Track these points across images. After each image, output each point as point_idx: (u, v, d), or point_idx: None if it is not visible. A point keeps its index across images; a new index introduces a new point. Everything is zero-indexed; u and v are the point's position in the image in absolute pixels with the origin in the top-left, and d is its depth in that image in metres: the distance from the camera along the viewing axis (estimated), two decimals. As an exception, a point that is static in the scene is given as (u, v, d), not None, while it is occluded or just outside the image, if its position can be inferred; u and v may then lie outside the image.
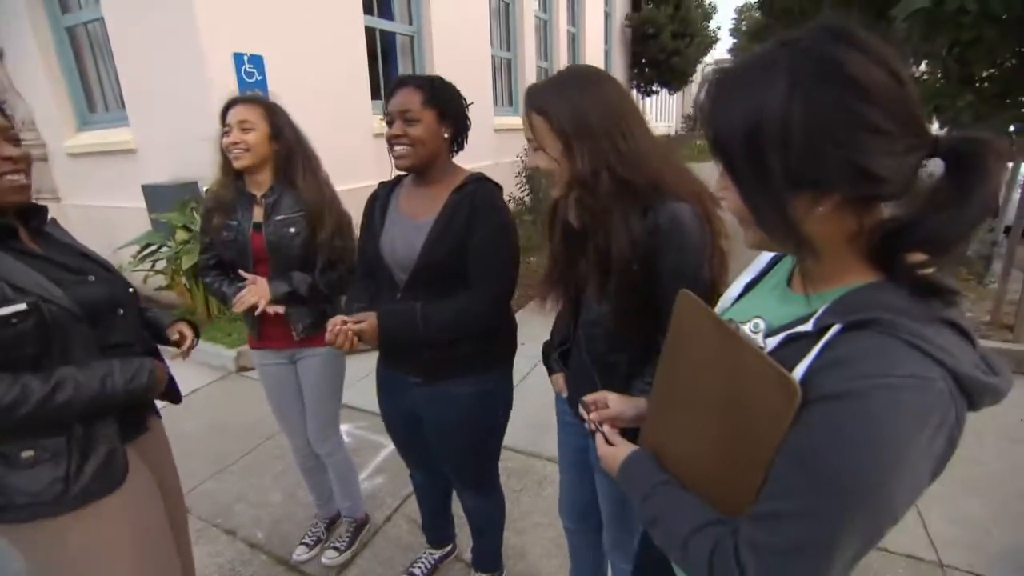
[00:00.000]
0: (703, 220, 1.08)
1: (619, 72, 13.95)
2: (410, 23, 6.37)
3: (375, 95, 5.67)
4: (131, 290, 1.30)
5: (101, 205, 5.06)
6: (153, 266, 4.22)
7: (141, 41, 4.29)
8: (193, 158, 4.32)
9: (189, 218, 4.10)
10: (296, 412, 1.96)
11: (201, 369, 3.81)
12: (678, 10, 13.26)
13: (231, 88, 4.22)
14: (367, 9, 5.54)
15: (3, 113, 1.13)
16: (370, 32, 5.60)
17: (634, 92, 15.86)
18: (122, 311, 1.23)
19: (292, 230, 1.69)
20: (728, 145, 0.59)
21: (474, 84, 7.65)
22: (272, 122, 1.67)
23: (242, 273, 1.71)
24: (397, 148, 1.42)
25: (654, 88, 15.71)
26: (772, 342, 0.64)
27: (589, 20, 11.63)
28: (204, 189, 4.06)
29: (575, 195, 1.12)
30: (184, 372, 3.71)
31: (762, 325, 0.68)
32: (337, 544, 2.09)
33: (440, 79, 1.43)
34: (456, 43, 6.78)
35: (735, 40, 33.00)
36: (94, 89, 5.21)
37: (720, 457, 0.66)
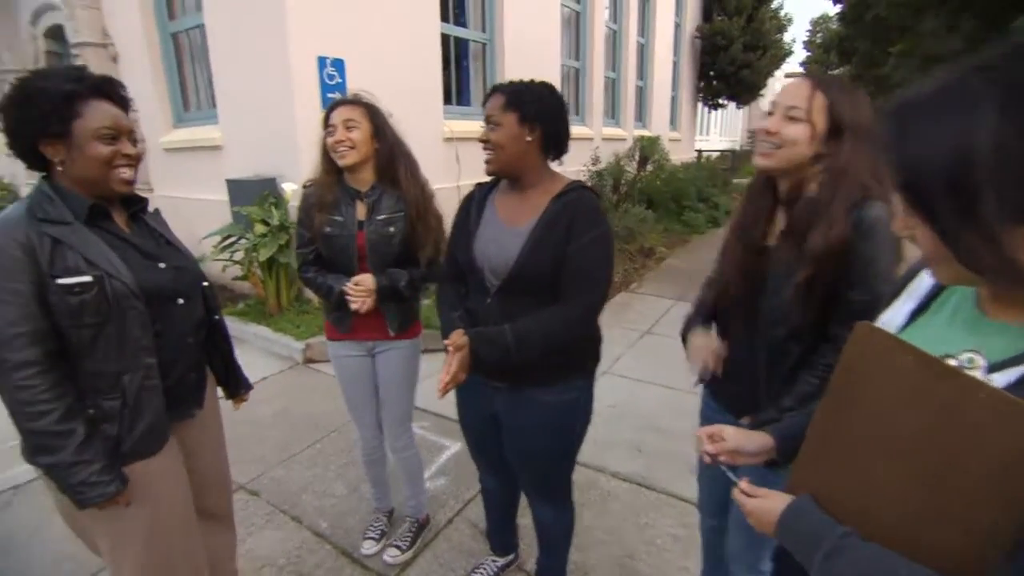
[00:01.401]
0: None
1: (687, 84, 13.67)
2: (483, 30, 6.46)
3: (447, 100, 5.78)
4: (205, 284, 1.39)
5: (188, 197, 5.36)
6: (231, 256, 4.42)
7: (234, 45, 4.54)
8: (273, 155, 4.53)
9: (267, 212, 4.28)
10: (369, 405, 1.99)
11: (270, 358, 3.96)
12: (751, 22, 12.86)
13: (313, 90, 4.44)
14: (443, 16, 5.66)
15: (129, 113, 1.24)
16: (444, 39, 5.72)
17: (699, 105, 15.50)
18: (182, 301, 1.31)
19: (391, 229, 1.74)
20: (924, 180, 0.55)
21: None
22: (374, 121, 1.72)
23: (348, 289, 1.72)
24: (485, 153, 1.43)
25: (721, 101, 15.31)
26: (1002, 378, 0.58)
27: (659, 31, 11.46)
28: (282, 186, 4.24)
29: (821, 185, 1.14)
30: (255, 359, 3.94)
31: (980, 360, 0.62)
32: (399, 543, 2.09)
33: (529, 83, 1.42)
34: (527, 51, 6.82)
35: (808, 53, 31.81)
36: (189, 89, 5.56)
37: (925, 506, 0.59)
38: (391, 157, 1.75)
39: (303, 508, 2.38)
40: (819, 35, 32.21)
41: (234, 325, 4.35)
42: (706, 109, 16.57)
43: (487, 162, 1.43)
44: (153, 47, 5.34)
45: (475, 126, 6.37)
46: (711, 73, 14.11)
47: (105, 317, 1.14)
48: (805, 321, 1.17)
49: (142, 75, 5.41)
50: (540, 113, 1.38)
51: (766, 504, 0.78)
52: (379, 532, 2.15)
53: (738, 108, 18.92)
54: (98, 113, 1.15)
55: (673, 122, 13.21)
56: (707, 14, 13.47)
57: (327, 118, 1.73)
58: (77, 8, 5.46)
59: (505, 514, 1.92)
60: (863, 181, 1.11)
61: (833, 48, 29.36)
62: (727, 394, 1.37)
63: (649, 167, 9.71)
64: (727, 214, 10.05)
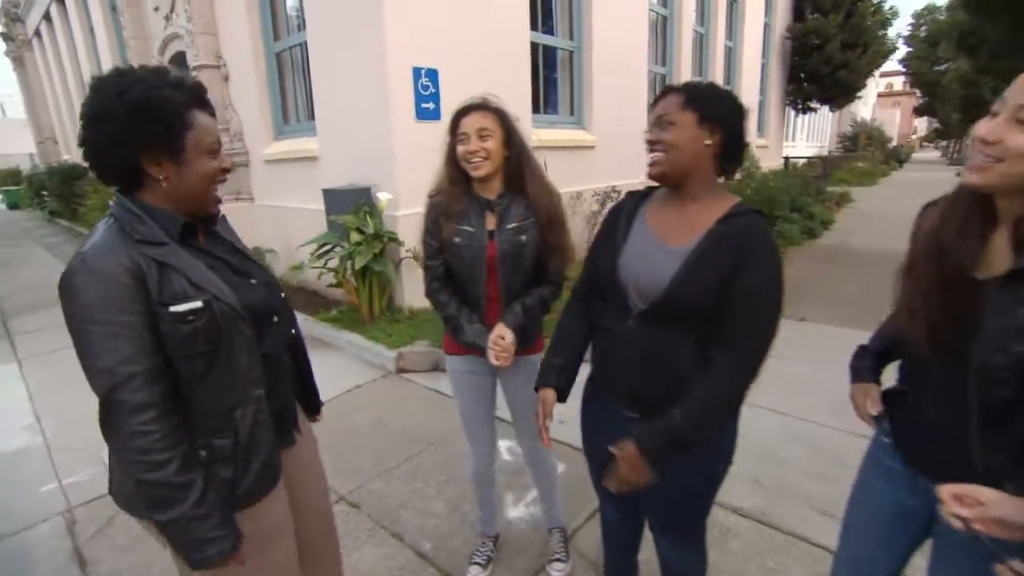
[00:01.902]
0: None
1: (775, 87, 12.96)
2: (571, 38, 6.36)
3: (535, 109, 5.72)
4: (283, 295, 1.29)
5: (286, 206, 5.60)
6: (326, 264, 4.54)
7: (334, 59, 4.70)
8: (368, 166, 4.62)
9: (362, 221, 4.35)
10: (487, 423, 1.90)
11: (363, 366, 4.00)
12: (850, 18, 12.00)
13: (408, 100, 4.50)
14: (532, 25, 5.62)
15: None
16: (533, 47, 5.66)
17: (788, 109, 14.65)
18: (276, 318, 1.22)
19: (523, 238, 1.64)
20: None
21: (629, 99, 7.53)
22: (505, 127, 1.64)
23: (491, 346, 1.63)
24: (651, 155, 1.28)
25: (812, 104, 14.39)
26: None
27: (748, 33, 10.94)
28: (377, 195, 4.29)
29: None
30: (348, 367, 3.99)
31: None
32: (559, 556, 2.03)
33: (712, 84, 1.26)
34: (614, 58, 6.66)
35: (909, 49, 29.47)
36: (289, 104, 5.83)
37: None
38: (519, 164, 1.66)
39: (404, 525, 2.31)
40: (923, 28, 29.82)
41: (327, 332, 4.45)
42: (793, 114, 15.66)
43: (653, 164, 1.27)
44: (259, 66, 5.65)
45: (562, 134, 6.36)
46: (801, 75, 13.33)
47: (216, 344, 1.05)
48: None
49: (248, 92, 5.74)
50: (723, 116, 1.22)
51: None
52: (485, 558, 2.04)
53: (831, 111, 17.70)
54: (204, 124, 1.06)
55: (760, 128, 12.56)
56: (798, 13, 12.75)
57: (455, 125, 1.65)
58: (197, 35, 5.90)
59: (627, 549, 1.75)
60: None
61: (943, 40, 26.93)
62: (918, 451, 1.14)
63: (738, 176, 9.24)
64: (823, 224, 9.36)
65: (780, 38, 12.48)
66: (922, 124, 51.91)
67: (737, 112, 1.25)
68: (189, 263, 1.04)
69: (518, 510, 2.40)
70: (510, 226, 1.64)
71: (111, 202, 1.06)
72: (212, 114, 1.10)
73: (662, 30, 8.36)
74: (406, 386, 3.70)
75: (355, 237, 4.26)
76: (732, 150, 1.26)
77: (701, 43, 9.53)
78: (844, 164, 19.34)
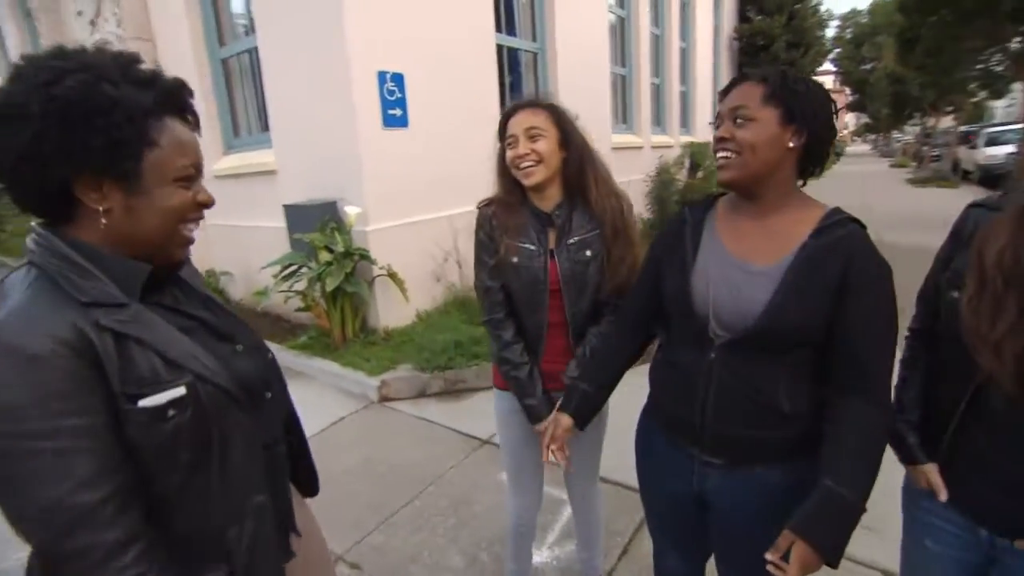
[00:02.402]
0: None
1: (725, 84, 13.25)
2: (534, 39, 6.20)
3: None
4: (271, 356, 0.97)
5: (243, 225, 5.16)
6: (292, 287, 4.17)
7: (289, 65, 4.34)
8: (332, 178, 4.28)
9: (330, 238, 4.02)
10: (537, 469, 1.67)
11: (341, 396, 3.66)
12: (792, 20, 12.42)
13: (374, 106, 4.20)
14: (495, 26, 5.41)
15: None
16: (498, 49, 5.46)
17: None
18: (270, 393, 0.92)
19: (587, 253, 1.43)
20: None
21: (596, 101, 7.43)
22: (561, 126, 1.41)
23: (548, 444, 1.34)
24: (720, 156, 1.08)
25: (760, 103, 14.81)
26: None
27: (699, 34, 11.12)
28: (344, 209, 3.96)
29: None
30: (325, 397, 3.63)
31: None
32: None
33: (797, 73, 1.06)
34: (578, 59, 6.55)
35: (838, 49, 30.98)
36: (239, 115, 5.39)
37: None
38: (581, 167, 1.44)
39: (415, 584, 2.04)
40: (848, 30, 31.49)
41: (298, 360, 4.08)
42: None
43: (723, 167, 1.07)
44: (204, 75, 5.19)
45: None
46: (748, 75, 13.69)
47: (206, 445, 0.76)
48: None
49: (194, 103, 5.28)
50: (811, 113, 1.02)
51: None
52: (520, 618, 1.79)
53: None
54: (177, 140, 0.77)
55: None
56: (743, 15, 13.09)
57: (504, 127, 1.43)
58: (130, 41, 5.37)
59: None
60: None
61: (866, 42, 28.58)
62: (981, 503, 1.01)
63: (699, 174, 9.32)
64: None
65: (728, 39, 12.76)
66: (851, 119, 54.85)
67: (829, 110, 1.05)
68: (160, 331, 0.75)
69: (542, 554, 2.16)
70: (572, 240, 1.43)
71: (30, 242, 0.73)
72: (194, 126, 0.82)
73: (620, 31, 8.34)
74: (392, 417, 3.39)
75: (324, 256, 3.91)
76: (818, 151, 1.08)
77: (657, 44, 9.58)
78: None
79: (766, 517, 1.17)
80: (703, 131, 11.32)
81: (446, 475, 2.67)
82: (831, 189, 13.10)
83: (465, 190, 5.17)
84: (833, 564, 0.94)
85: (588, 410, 1.33)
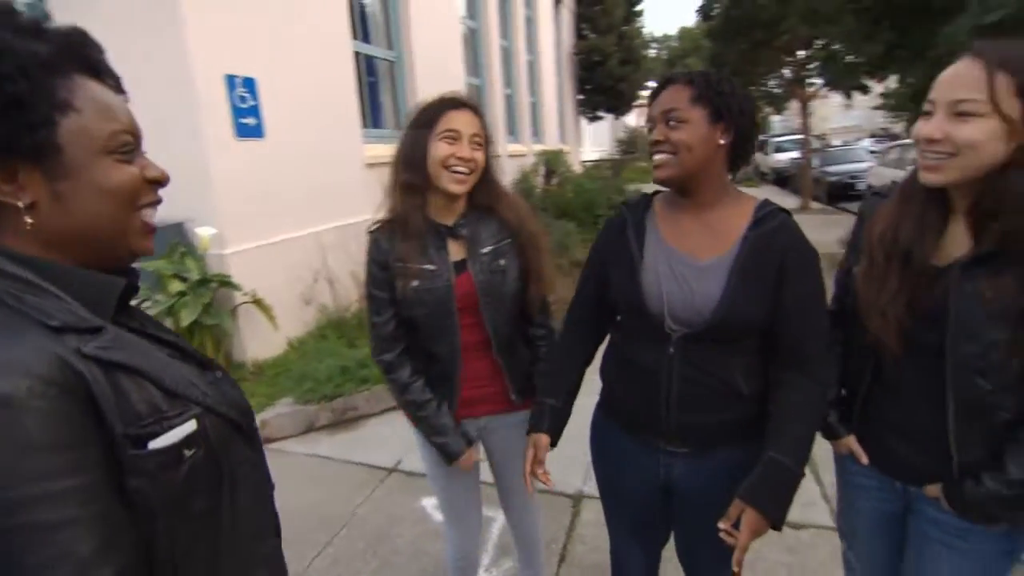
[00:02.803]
0: None
1: (568, 98, 14.16)
2: (390, 47, 6.04)
3: (364, 122, 5.28)
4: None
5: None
6: (132, 325, 3.55)
7: (123, 69, 3.69)
8: (177, 195, 3.72)
9: (179, 265, 3.50)
10: (475, 497, 1.56)
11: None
12: (622, 39, 13.73)
13: (224, 114, 3.74)
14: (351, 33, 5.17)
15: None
16: (354, 57, 5.22)
17: (581, 119, 16.18)
18: (254, 423, 0.81)
19: (502, 262, 1.34)
20: None
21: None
22: (485, 132, 1.32)
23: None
24: (656, 157, 1.12)
25: (600, 114, 16.12)
26: None
27: (543, 48, 11.74)
28: (195, 231, 3.48)
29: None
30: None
31: None
32: None
33: (719, 74, 1.13)
34: (435, 69, 6.52)
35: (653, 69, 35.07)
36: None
37: None
38: (491, 177, 1.36)
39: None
40: (664, 52, 35.68)
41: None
42: (584, 122, 17.37)
43: (661, 166, 1.11)
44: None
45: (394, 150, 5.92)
46: (587, 87, 14.82)
47: (216, 490, 0.64)
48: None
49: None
50: (738, 112, 1.10)
51: None
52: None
53: (616, 119, 20.17)
54: (99, 101, 0.61)
55: (562, 136, 13.59)
56: (579, 32, 14.15)
57: (435, 118, 1.27)
58: None
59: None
60: None
61: (677, 62, 32.74)
62: (886, 452, 1.15)
63: (555, 180, 9.83)
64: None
65: (569, 54, 13.67)
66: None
67: (751, 106, 1.15)
68: (151, 357, 0.61)
69: (477, 581, 2.07)
70: (485, 251, 1.34)
71: None
72: (115, 86, 0.65)
73: (472, 43, 8.48)
74: (280, 459, 3.03)
75: (175, 286, 3.39)
76: (744, 148, 1.16)
77: (507, 56, 9.91)
78: (627, 165, 22.06)
79: (730, 496, 1.26)
80: (551, 139, 11.99)
81: (357, 513, 2.45)
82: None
83: (331, 204, 4.87)
84: (778, 527, 1.04)
85: (560, 424, 1.30)
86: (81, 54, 0.61)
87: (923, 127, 0.95)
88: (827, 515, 2.24)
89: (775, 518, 1.03)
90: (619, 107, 15.09)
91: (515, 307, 1.39)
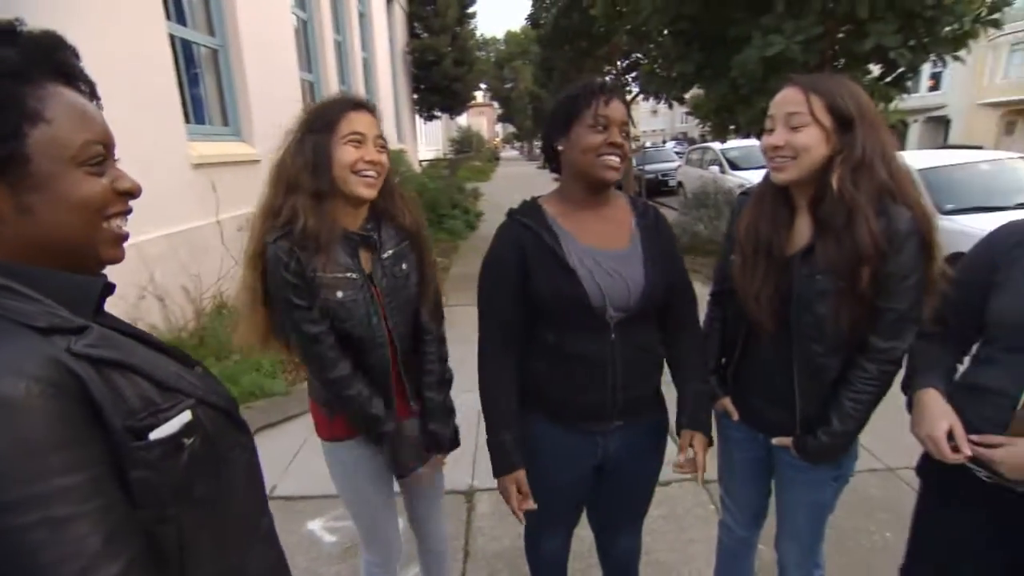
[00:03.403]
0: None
1: (404, 97, 14.00)
2: (212, 33, 5.41)
3: (187, 118, 4.68)
4: None
5: None
6: None
7: None
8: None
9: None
10: (392, 515, 1.50)
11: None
12: (456, 40, 13.95)
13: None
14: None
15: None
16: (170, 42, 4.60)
17: (417, 117, 16.10)
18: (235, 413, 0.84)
19: (404, 267, 1.34)
20: None
21: (289, 106, 6.79)
22: (385, 139, 1.30)
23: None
24: (612, 159, 1.21)
25: (435, 113, 16.19)
26: None
27: (378, 45, 11.45)
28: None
29: (841, 180, 1.13)
30: None
31: None
32: None
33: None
34: (267, 61, 6.01)
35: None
36: None
37: None
38: (388, 180, 1.33)
39: None
40: (492, 54, 36.97)
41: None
42: (421, 121, 17.31)
43: (618, 169, 1.22)
44: None
45: (224, 148, 5.36)
46: (422, 87, 14.80)
47: (214, 476, 0.66)
48: (844, 334, 1.17)
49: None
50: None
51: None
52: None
53: (452, 118, 20.34)
54: (72, 110, 0.60)
55: (400, 135, 13.40)
56: (411, 32, 14.05)
57: (337, 118, 1.21)
58: None
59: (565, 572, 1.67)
60: (880, 178, 1.11)
61: (505, 66, 34.26)
62: (752, 411, 1.40)
63: (396, 179, 9.70)
64: (477, 217, 10.68)
65: (403, 53, 13.50)
66: (500, 128, 64.59)
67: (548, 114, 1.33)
68: (138, 352, 0.63)
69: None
70: (387, 255, 1.32)
71: None
72: (88, 92, 0.64)
73: (304, 35, 7.97)
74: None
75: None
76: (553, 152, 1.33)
77: (340, 51, 9.49)
78: (463, 164, 22.49)
79: (658, 458, 1.45)
80: (390, 139, 11.73)
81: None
82: (506, 188, 15.27)
83: (152, 210, 4.21)
84: (712, 440, 1.36)
85: (521, 448, 1.30)
86: (54, 59, 0.60)
87: (769, 139, 1.20)
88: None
89: (707, 425, 1.33)
90: (454, 107, 15.32)
91: (414, 313, 1.40)
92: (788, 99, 1.17)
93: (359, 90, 10.12)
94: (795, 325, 1.22)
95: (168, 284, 4.06)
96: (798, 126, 1.14)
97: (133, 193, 0.66)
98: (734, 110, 4.84)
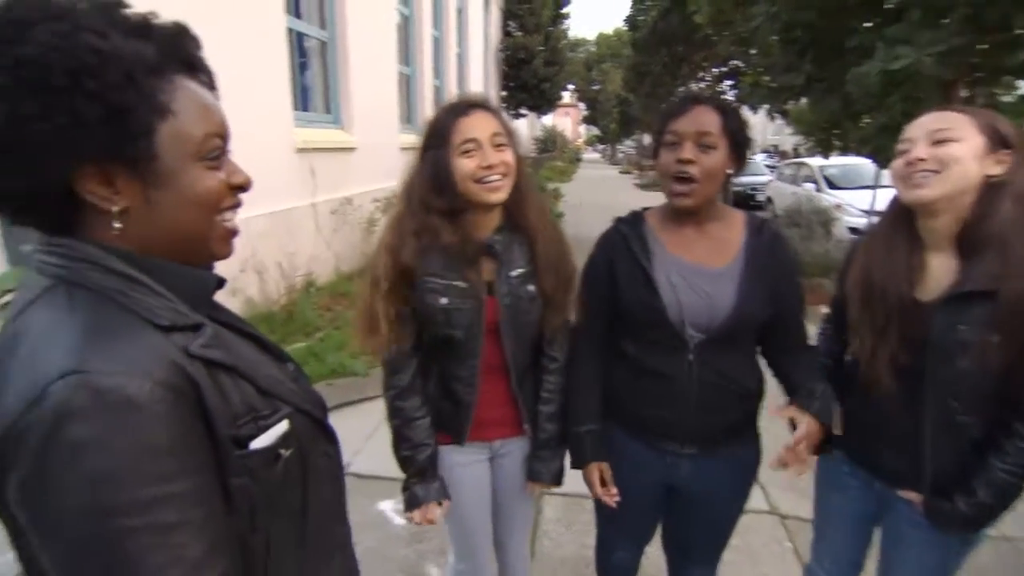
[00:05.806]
0: None
1: (494, 93, 14.19)
2: (323, 27, 5.73)
3: (295, 105, 4.98)
4: None
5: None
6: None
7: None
8: None
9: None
10: (487, 528, 1.46)
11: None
12: (548, 40, 14.00)
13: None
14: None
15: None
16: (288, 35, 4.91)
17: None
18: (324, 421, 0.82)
19: (531, 288, 1.24)
20: None
21: (385, 99, 7.19)
22: (511, 134, 1.21)
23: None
24: (680, 186, 1.17)
25: (522, 112, 16.32)
26: None
27: (472, 42, 11.68)
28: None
29: (997, 208, 1.02)
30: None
31: None
32: None
33: (733, 106, 1.23)
34: (369, 54, 6.28)
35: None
36: None
37: None
38: (522, 187, 1.24)
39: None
40: (581, 55, 36.84)
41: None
42: (513, 118, 17.56)
43: (688, 194, 1.16)
44: None
45: (324, 135, 5.61)
46: (511, 84, 14.96)
47: (302, 486, 0.67)
48: (989, 392, 1.05)
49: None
50: (744, 144, 1.21)
51: None
52: None
53: (538, 118, 20.48)
54: (196, 104, 0.59)
55: (487, 131, 13.62)
56: (506, 30, 14.23)
57: (449, 128, 1.15)
58: None
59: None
60: None
61: (594, 67, 34.00)
62: (876, 459, 1.25)
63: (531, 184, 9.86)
64: (558, 218, 10.60)
65: (495, 50, 13.70)
66: (583, 129, 64.11)
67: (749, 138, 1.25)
68: (245, 354, 0.64)
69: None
70: (515, 273, 1.23)
71: (48, 256, 0.56)
72: (209, 84, 0.63)
73: (405, 30, 8.26)
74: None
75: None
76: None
77: (437, 47, 9.76)
78: (545, 163, 22.55)
79: (737, 492, 1.37)
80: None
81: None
82: (583, 190, 15.13)
83: (258, 190, 4.47)
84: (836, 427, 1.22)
85: (603, 447, 1.31)
86: (182, 51, 0.59)
87: (908, 154, 1.08)
88: (763, 501, 2.47)
89: (825, 414, 1.18)
90: (542, 106, 15.37)
91: (536, 335, 1.31)
92: (936, 117, 1.07)
93: (451, 84, 10.37)
94: (930, 378, 1.09)
95: (266, 260, 4.34)
96: (945, 140, 1.03)
97: (245, 187, 0.65)
98: (842, 126, 4.52)
